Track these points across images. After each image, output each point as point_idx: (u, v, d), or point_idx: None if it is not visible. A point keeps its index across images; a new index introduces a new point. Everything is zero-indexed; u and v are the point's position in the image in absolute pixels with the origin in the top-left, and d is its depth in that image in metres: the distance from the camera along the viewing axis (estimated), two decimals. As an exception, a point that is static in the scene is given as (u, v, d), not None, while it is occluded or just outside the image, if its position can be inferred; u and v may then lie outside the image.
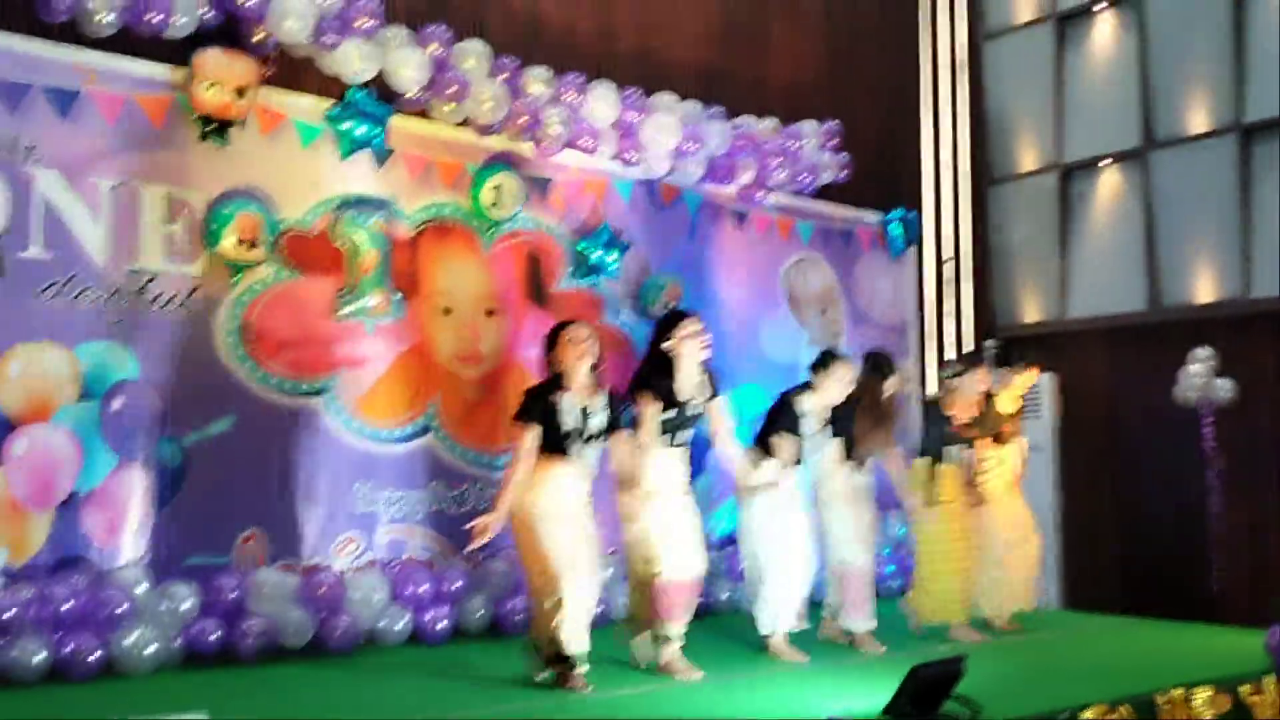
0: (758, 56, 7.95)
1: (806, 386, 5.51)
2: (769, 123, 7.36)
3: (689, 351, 4.94)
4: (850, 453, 5.61)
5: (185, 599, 4.99)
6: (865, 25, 8.51)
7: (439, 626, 5.61)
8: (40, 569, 4.94)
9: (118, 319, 5.22)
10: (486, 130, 6.20)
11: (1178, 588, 7.20)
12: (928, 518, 5.75)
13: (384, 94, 5.90)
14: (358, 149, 5.88)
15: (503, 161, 6.34)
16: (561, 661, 4.51)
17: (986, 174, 8.69)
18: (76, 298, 5.12)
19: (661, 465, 4.87)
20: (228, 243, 5.42)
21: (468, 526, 4.46)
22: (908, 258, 8.30)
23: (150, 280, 5.31)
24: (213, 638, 4.99)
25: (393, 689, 4.65)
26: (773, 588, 5.26)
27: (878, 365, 5.79)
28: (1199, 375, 6.93)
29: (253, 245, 5.49)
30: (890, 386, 5.73)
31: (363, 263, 5.80)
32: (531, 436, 4.55)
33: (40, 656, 4.56)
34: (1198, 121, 7.58)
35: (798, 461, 5.38)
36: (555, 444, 4.57)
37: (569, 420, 4.58)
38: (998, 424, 6.08)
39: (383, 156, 5.97)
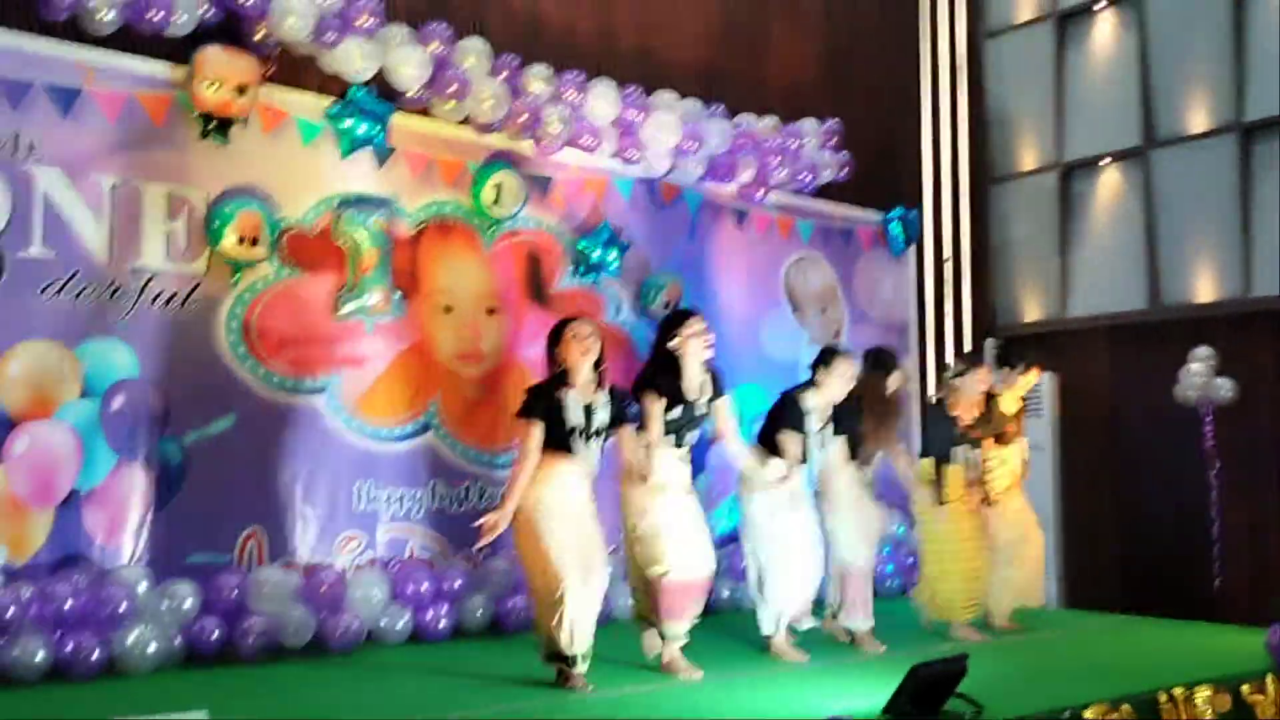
0: (758, 55, 7.95)
1: (809, 384, 5.50)
2: (769, 121, 7.36)
3: (693, 351, 4.94)
4: (855, 451, 5.61)
5: (186, 598, 4.99)
6: (865, 24, 8.51)
7: (439, 625, 5.61)
8: (41, 567, 4.94)
9: (118, 317, 5.21)
10: (487, 129, 6.20)
11: (1178, 587, 7.21)
12: (936, 517, 5.75)
13: (385, 92, 5.90)
14: (358, 147, 5.88)
15: (503, 160, 6.34)
16: (561, 660, 4.50)
17: (987, 173, 8.69)
18: (77, 296, 5.12)
19: (666, 465, 4.87)
20: (229, 241, 5.42)
21: (476, 524, 4.45)
22: (908, 257, 8.30)
23: (151, 279, 5.31)
24: (213, 636, 4.99)
25: (393, 688, 4.65)
26: (775, 587, 5.25)
27: (880, 362, 5.79)
28: (1199, 374, 6.93)
29: (254, 244, 5.48)
30: (893, 383, 5.73)
31: (363, 261, 5.80)
32: (537, 433, 4.54)
33: (41, 655, 4.56)
34: (1198, 120, 7.58)
35: (803, 460, 5.38)
36: (558, 441, 4.57)
37: (573, 417, 4.58)
38: (1001, 424, 6.08)
39: (383, 155, 5.97)
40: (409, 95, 5.94)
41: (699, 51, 7.66)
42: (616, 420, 4.72)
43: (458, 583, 5.77)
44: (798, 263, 7.70)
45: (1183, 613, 6.61)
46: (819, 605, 5.53)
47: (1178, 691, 4.43)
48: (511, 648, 5.42)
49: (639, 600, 4.98)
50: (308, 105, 5.80)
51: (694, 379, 4.96)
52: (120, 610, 4.79)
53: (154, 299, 5.32)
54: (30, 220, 5.04)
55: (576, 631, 4.46)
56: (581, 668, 4.52)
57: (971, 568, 5.75)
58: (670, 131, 6.71)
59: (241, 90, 5.41)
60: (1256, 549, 7.10)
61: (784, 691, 4.54)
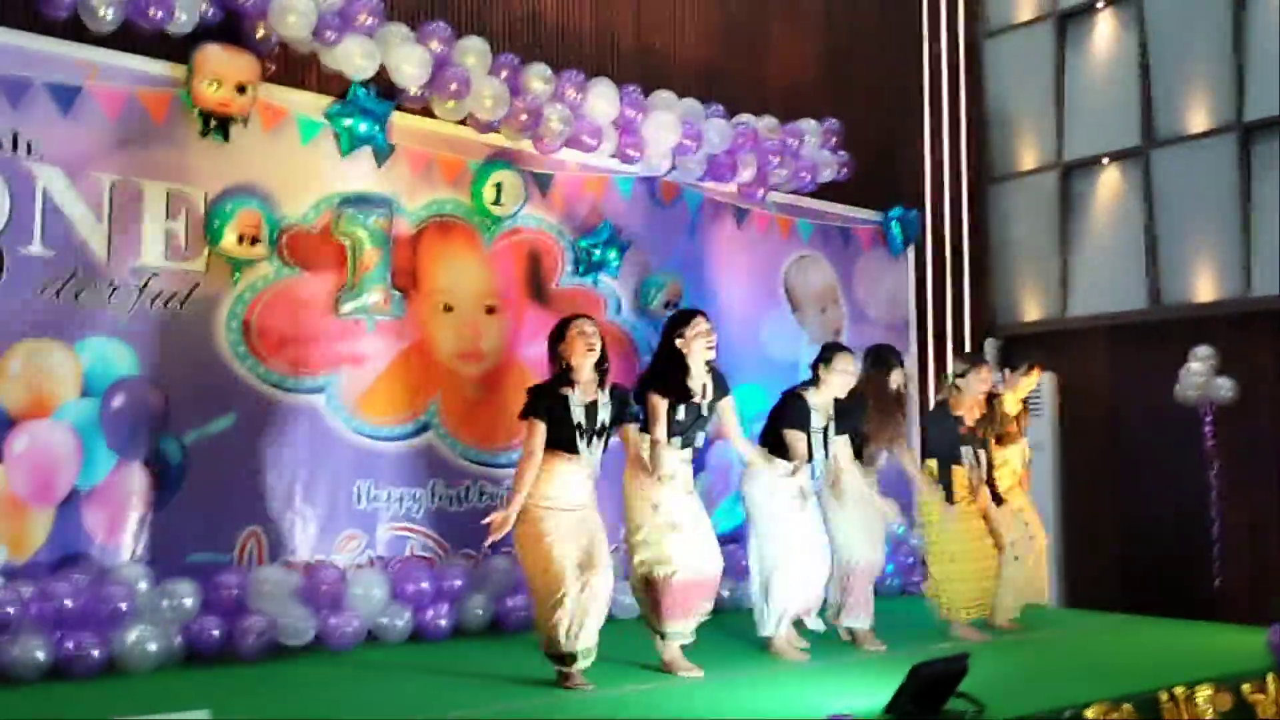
0: (758, 55, 7.94)
1: (811, 382, 5.50)
2: (769, 121, 7.36)
3: (697, 351, 4.94)
4: (859, 450, 5.60)
5: (186, 596, 4.98)
6: (865, 23, 8.50)
7: (440, 624, 5.61)
8: (41, 566, 4.94)
9: (119, 316, 5.21)
10: (487, 127, 6.20)
11: (1178, 587, 7.21)
12: (943, 517, 5.74)
13: (385, 91, 5.90)
14: (358, 146, 5.88)
15: (504, 159, 6.34)
16: (560, 659, 4.50)
17: (986, 173, 8.69)
18: (77, 295, 5.11)
19: (670, 464, 4.85)
20: (229, 240, 5.41)
21: (484, 521, 4.43)
22: (907, 257, 8.30)
23: (151, 277, 5.31)
24: (214, 635, 4.99)
25: (394, 687, 4.64)
26: (779, 586, 5.23)
27: (882, 359, 5.78)
28: (1199, 374, 6.93)
29: (254, 242, 5.48)
30: (895, 380, 5.73)
31: (364, 260, 5.79)
32: (539, 432, 4.53)
33: (41, 654, 4.55)
34: (1198, 120, 7.59)
35: (809, 458, 5.36)
36: (561, 440, 4.56)
37: (575, 416, 4.57)
38: (1003, 424, 6.08)
39: (384, 154, 5.97)
40: (409, 94, 5.94)
41: (699, 51, 7.66)
42: (619, 419, 4.71)
43: (458, 582, 5.77)
44: (797, 262, 7.69)
45: (1182, 612, 6.61)
46: (824, 606, 5.52)
47: (1179, 691, 4.42)
48: (512, 647, 5.41)
49: (640, 602, 4.97)
50: (308, 104, 5.80)
51: (698, 379, 4.96)
52: (120, 609, 4.79)
53: (154, 298, 5.31)
54: (30, 219, 5.03)
55: (575, 630, 4.45)
56: (583, 663, 4.50)
57: (978, 568, 5.74)
58: (670, 130, 6.71)
59: (241, 89, 5.40)
60: (1256, 549, 7.10)
61: (785, 691, 4.54)
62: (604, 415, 4.64)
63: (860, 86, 8.33)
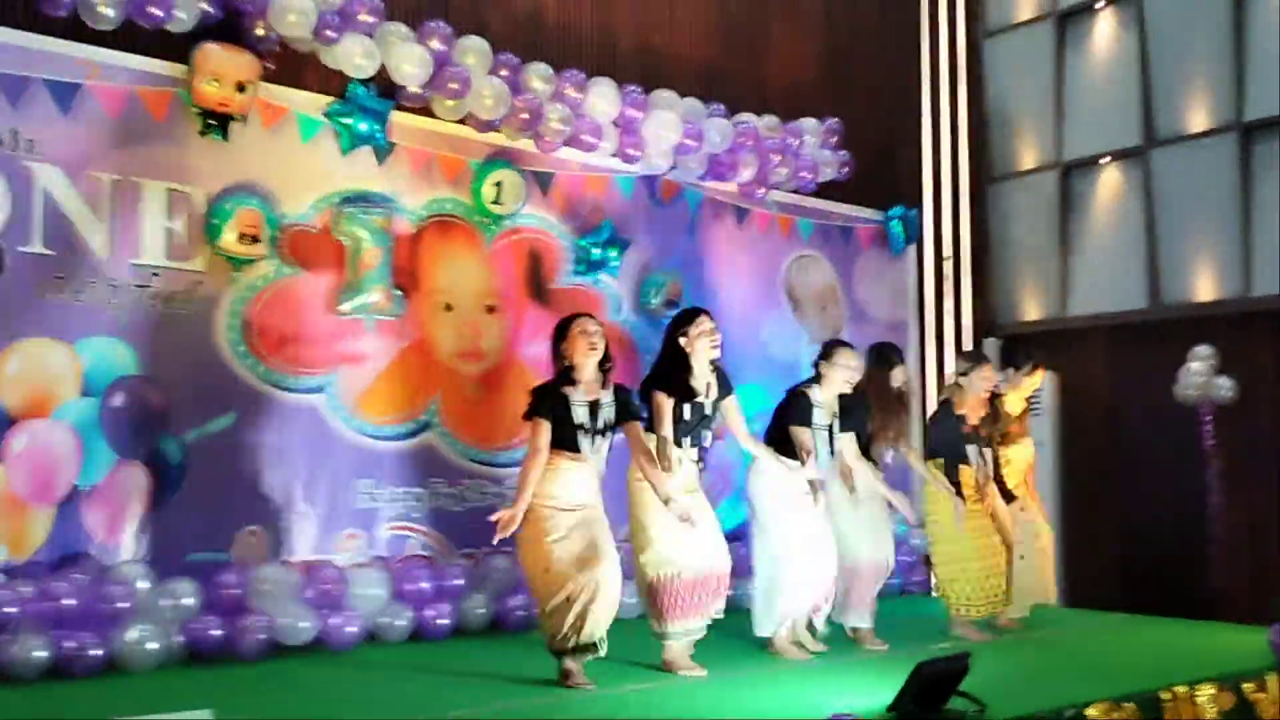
0: (758, 54, 7.94)
1: (814, 379, 5.49)
2: (769, 120, 7.36)
3: (701, 350, 4.93)
4: (865, 449, 5.57)
5: (186, 596, 4.97)
6: (865, 23, 8.50)
7: (440, 623, 5.60)
8: (41, 566, 4.94)
9: (119, 315, 5.21)
10: (487, 126, 6.19)
11: (1177, 586, 7.20)
12: (951, 516, 5.73)
13: (385, 89, 5.90)
14: (359, 145, 5.87)
15: (504, 158, 6.33)
16: (566, 654, 4.48)
17: (986, 172, 8.68)
18: (77, 294, 5.11)
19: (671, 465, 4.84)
20: (229, 238, 5.41)
21: (491, 519, 4.42)
22: (907, 256, 8.30)
23: (152, 276, 5.30)
24: (214, 634, 4.98)
25: (394, 686, 4.64)
26: (784, 585, 5.21)
27: (883, 357, 5.78)
28: (1199, 374, 6.92)
29: (254, 241, 5.48)
30: (898, 378, 5.73)
31: (364, 259, 5.79)
32: (544, 431, 4.52)
33: (41, 653, 4.54)
34: (1198, 120, 7.58)
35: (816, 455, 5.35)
36: (564, 440, 4.55)
37: (578, 415, 4.56)
38: (1005, 424, 6.08)
39: (384, 152, 5.96)
40: (409, 93, 5.93)
41: (699, 50, 7.65)
42: (622, 418, 4.70)
43: (458, 581, 5.76)
44: (798, 261, 7.69)
45: (1182, 612, 6.61)
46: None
47: (1180, 690, 4.42)
48: (512, 646, 5.41)
49: (642, 601, 4.95)
50: (308, 102, 5.80)
51: (702, 378, 4.95)
52: (120, 609, 4.78)
53: (154, 297, 5.31)
54: (30, 217, 5.03)
55: (580, 625, 4.44)
56: (596, 654, 4.48)
57: (984, 566, 5.74)
58: (671, 130, 6.70)
59: (241, 87, 5.40)
60: (1256, 548, 7.09)
61: (786, 690, 4.53)
62: (607, 414, 4.63)
63: (860, 86, 8.33)
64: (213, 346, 5.46)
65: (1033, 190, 8.44)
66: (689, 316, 5.02)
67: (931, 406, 7.01)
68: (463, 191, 6.24)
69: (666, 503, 4.63)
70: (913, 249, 8.34)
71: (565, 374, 4.62)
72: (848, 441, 5.49)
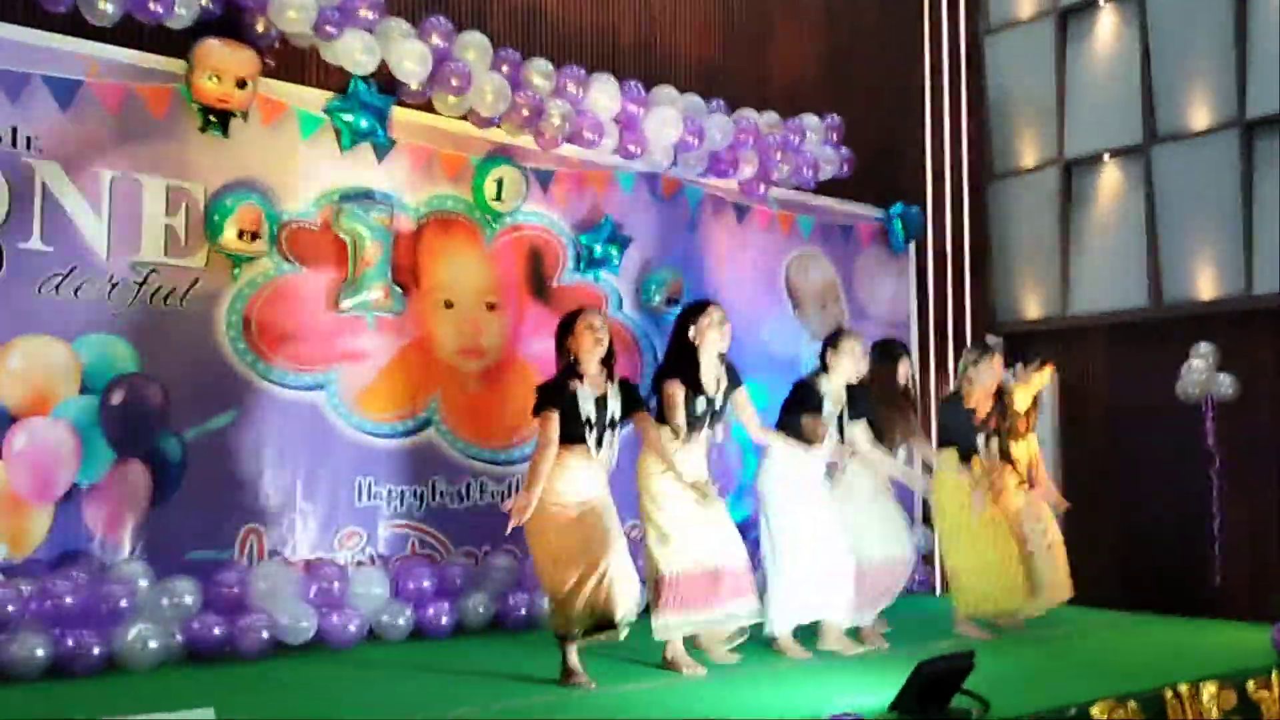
0: (759, 51, 7.92)
1: (820, 370, 5.47)
2: (770, 116, 7.34)
3: (710, 342, 4.91)
4: (880, 440, 5.55)
5: (186, 594, 4.96)
6: (866, 20, 8.48)
7: (441, 622, 5.59)
8: (41, 564, 4.92)
9: (118, 312, 5.19)
10: (488, 123, 6.18)
11: (1178, 584, 7.20)
12: (964, 507, 5.71)
13: (385, 86, 5.88)
14: (359, 141, 5.86)
15: (505, 154, 6.31)
16: (586, 635, 4.48)
17: (987, 169, 8.67)
18: (77, 291, 5.09)
19: (682, 457, 4.83)
20: (229, 235, 5.39)
21: (504, 506, 4.41)
22: (908, 253, 8.29)
23: (151, 273, 5.28)
24: (214, 633, 4.96)
25: (394, 685, 4.63)
26: (787, 583, 5.20)
27: (888, 352, 5.78)
28: (1200, 371, 6.92)
29: (254, 237, 5.46)
30: (903, 373, 5.72)
31: (364, 256, 5.77)
32: (554, 422, 4.50)
33: (41, 652, 4.53)
34: (1199, 117, 7.56)
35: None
36: (571, 434, 4.54)
37: (584, 410, 4.55)
38: (1013, 420, 6.07)
39: (384, 149, 5.95)
40: (410, 89, 5.91)
41: (700, 46, 7.63)
42: (629, 409, 4.68)
43: (459, 580, 5.75)
44: (798, 259, 7.68)
45: (1183, 610, 6.61)
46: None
47: (1184, 688, 4.42)
48: (513, 645, 5.41)
49: (649, 593, 4.94)
50: (308, 98, 5.78)
51: (710, 371, 4.93)
52: (120, 607, 4.77)
53: (153, 294, 5.29)
54: (29, 214, 5.01)
55: (588, 609, 4.44)
56: (616, 635, 4.48)
57: (991, 559, 5.72)
58: (672, 126, 6.68)
59: (241, 83, 5.38)
60: (1257, 546, 7.08)
61: (788, 688, 4.53)
62: (613, 408, 4.62)
63: (861, 83, 8.31)
64: (213, 344, 5.44)
65: (1034, 187, 8.43)
66: (698, 308, 5.01)
67: (932, 406, 7.00)
68: (463, 188, 6.23)
69: (668, 499, 4.63)
70: (913, 247, 8.32)
71: (571, 369, 4.61)
72: (860, 429, 5.45)
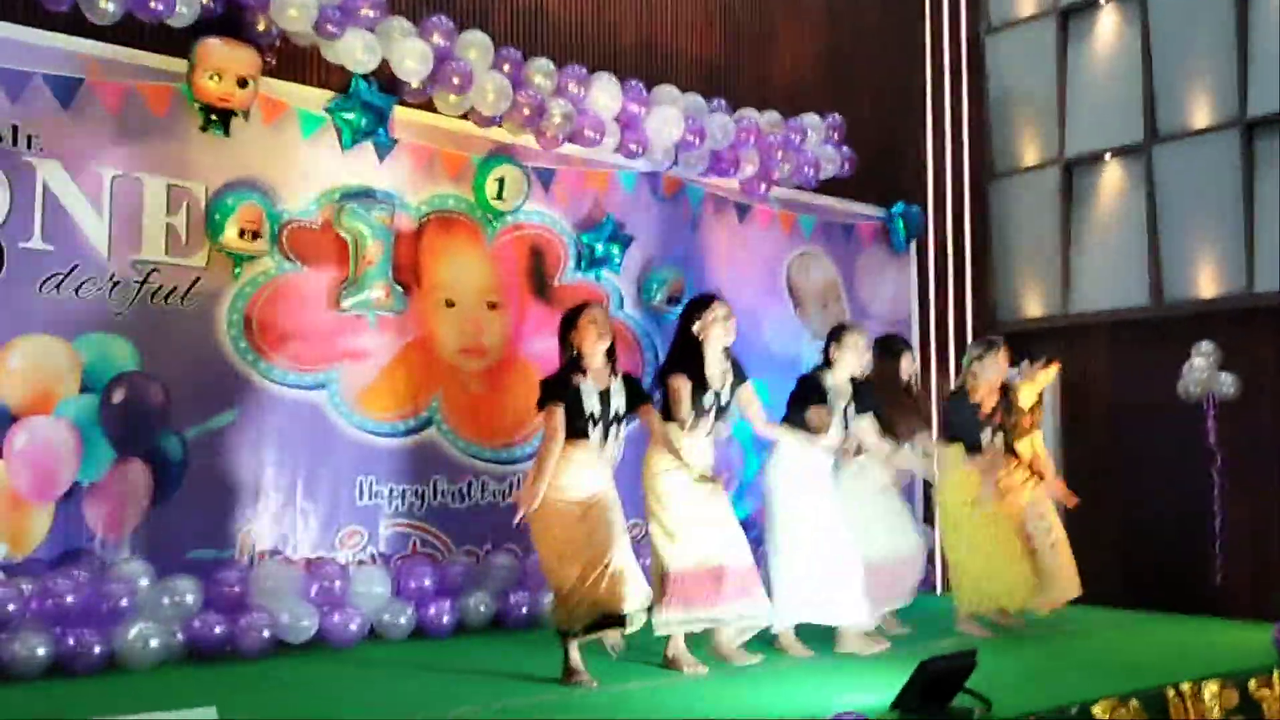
0: (760, 50, 7.92)
1: (824, 365, 5.46)
2: (772, 116, 7.33)
3: (715, 336, 4.91)
4: (887, 433, 5.54)
5: (187, 593, 4.96)
6: (867, 19, 8.48)
7: (442, 621, 5.59)
8: (41, 563, 4.92)
9: (119, 311, 5.18)
10: (489, 122, 6.18)
11: (1180, 582, 7.19)
12: (968, 505, 5.70)
13: (387, 85, 5.87)
14: (360, 140, 5.85)
15: (506, 154, 6.31)
16: (592, 629, 4.48)
17: (989, 168, 8.67)
18: (77, 290, 5.09)
19: (690, 451, 4.82)
20: (230, 234, 5.38)
21: (511, 499, 4.42)
22: (909, 253, 8.28)
23: (152, 272, 5.28)
24: (215, 632, 4.96)
25: (395, 684, 4.62)
26: (790, 580, 5.19)
27: (889, 348, 5.78)
28: (1202, 370, 6.92)
29: (255, 237, 5.45)
30: (906, 369, 5.72)
31: (365, 255, 5.77)
32: (559, 414, 4.50)
33: (42, 651, 4.53)
34: (1201, 116, 7.56)
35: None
36: (575, 429, 4.54)
37: (589, 405, 4.55)
38: (1018, 417, 6.07)
39: (385, 148, 5.95)
40: (411, 88, 5.91)
41: (701, 46, 7.63)
42: (634, 403, 4.68)
43: (460, 579, 5.75)
44: (799, 258, 7.67)
45: (1185, 608, 6.61)
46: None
47: (1185, 687, 4.42)
48: (514, 644, 5.40)
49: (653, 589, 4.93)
50: (309, 97, 5.78)
51: (715, 366, 4.93)
52: (121, 605, 4.77)
53: (154, 293, 5.29)
54: (30, 213, 5.01)
55: (592, 603, 4.44)
56: (624, 627, 4.48)
57: (995, 553, 5.71)
58: (673, 125, 6.68)
59: (243, 82, 5.37)
60: (1258, 544, 7.08)
61: (790, 687, 4.52)
62: (617, 402, 4.62)
63: (862, 82, 8.31)
64: (214, 343, 5.44)
65: (1035, 186, 8.43)
66: (703, 303, 4.99)
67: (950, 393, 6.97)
68: (465, 187, 6.23)
69: (672, 495, 4.62)
70: (914, 246, 8.31)
71: (574, 363, 4.60)
72: (866, 422, 5.44)
